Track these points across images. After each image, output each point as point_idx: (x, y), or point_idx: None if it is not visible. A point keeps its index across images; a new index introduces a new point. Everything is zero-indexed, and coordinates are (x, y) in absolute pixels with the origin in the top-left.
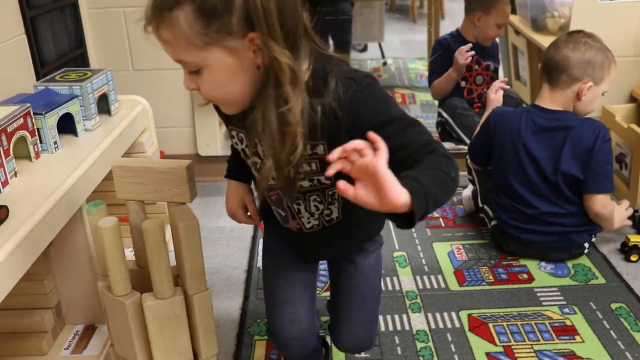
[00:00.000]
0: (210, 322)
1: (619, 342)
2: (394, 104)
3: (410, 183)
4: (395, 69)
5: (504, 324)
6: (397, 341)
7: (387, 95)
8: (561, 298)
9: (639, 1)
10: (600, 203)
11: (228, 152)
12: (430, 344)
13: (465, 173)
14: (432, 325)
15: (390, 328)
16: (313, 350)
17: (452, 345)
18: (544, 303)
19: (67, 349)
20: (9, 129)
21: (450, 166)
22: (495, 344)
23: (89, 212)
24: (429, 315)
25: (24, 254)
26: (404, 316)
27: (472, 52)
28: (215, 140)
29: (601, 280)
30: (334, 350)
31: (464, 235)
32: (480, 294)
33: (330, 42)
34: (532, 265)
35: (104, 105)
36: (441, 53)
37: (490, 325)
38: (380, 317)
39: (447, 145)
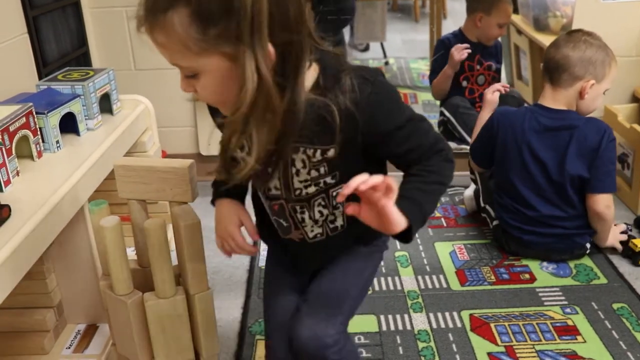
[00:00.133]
0: (212, 322)
1: (621, 342)
2: (403, 102)
3: (410, 208)
4: (397, 68)
5: (506, 324)
6: (398, 341)
7: (397, 92)
8: (563, 298)
9: None
10: (604, 203)
11: None
12: (432, 343)
13: (467, 173)
14: (434, 325)
15: (392, 328)
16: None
17: (454, 345)
18: (545, 303)
19: (69, 348)
20: (12, 128)
21: (451, 171)
22: (497, 344)
23: (91, 212)
24: (431, 315)
25: (25, 253)
26: (406, 316)
27: (469, 50)
28: (217, 140)
29: (603, 280)
30: None
31: (465, 235)
32: (482, 294)
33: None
34: (533, 265)
35: (106, 104)
36: (443, 53)
37: (492, 325)
38: (382, 317)
39: (449, 145)
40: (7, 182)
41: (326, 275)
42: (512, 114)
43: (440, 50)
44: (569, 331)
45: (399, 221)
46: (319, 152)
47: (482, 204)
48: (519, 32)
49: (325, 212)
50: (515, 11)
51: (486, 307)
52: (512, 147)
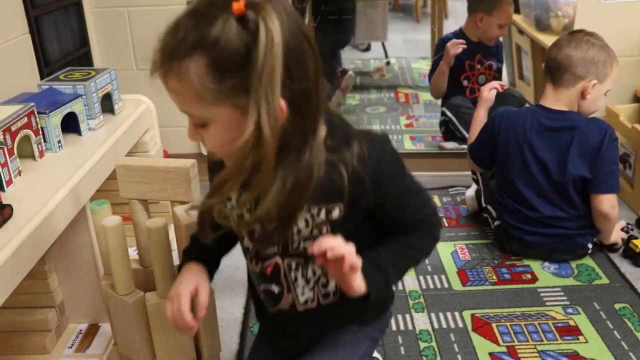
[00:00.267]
0: (213, 321)
1: (623, 343)
2: (408, 169)
3: (375, 278)
4: (398, 68)
5: (508, 324)
6: (400, 341)
7: (402, 158)
8: (565, 298)
9: None
10: (609, 203)
11: None
12: (434, 343)
13: (469, 173)
14: (435, 325)
15: (394, 328)
16: None
17: (455, 345)
18: (547, 303)
19: (71, 347)
20: (13, 128)
21: (432, 249)
22: (498, 344)
23: (92, 211)
24: (432, 315)
25: (27, 252)
26: (407, 316)
27: (464, 45)
28: None
29: (605, 280)
30: None
31: (467, 235)
32: (484, 294)
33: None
34: (535, 265)
35: (107, 104)
36: (444, 52)
37: (494, 325)
38: None
39: (451, 144)
40: (9, 182)
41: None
42: (513, 115)
43: (441, 49)
44: (571, 331)
45: (359, 288)
46: (323, 211)
47: (484, 204)
48: (521, 32)
49: (318, 272)
50: (517, 11)
51: (488, 307)
52: (513, 147)
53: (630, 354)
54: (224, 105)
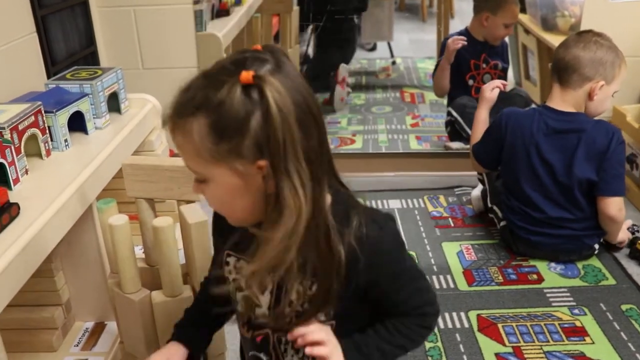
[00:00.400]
0: None
1: (630, 344)
2: (407, 253)
3: None
4: (404, 68)
5: (513, 324)
6: None
7: (404, 242)
8: (571, 299)
9: None
10: (616, 206)
11: None
12: (439, 344)
13: (475, 173)
14: (441, 325)
15: None
16: None
17: (461, 346)
18: (553, 304)
19: (77, 345)
20: (21, 127)
21: (424, 338)
22: (504, 345)
23: (99, 210)
24: None
25: (34, 251)
26: None
27: (464, 41)
28: None
29: (611, 281)
30: None
31: (473, 235)
32: (490, 294)
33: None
34: (541, 265)
35: (114, 103)
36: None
37: (500, 325)
38: None
39: (457, 144)
40: (16, 181)
41: None
42: (520, 116)
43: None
44: (577, 332)
45: None
46: (315, 285)
47: (490, 205)
48: (527, 31)
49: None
50: (523, 10)
51: (494, 308)
52: (520, 148)
53: (637, 355)
54: (221, 167)
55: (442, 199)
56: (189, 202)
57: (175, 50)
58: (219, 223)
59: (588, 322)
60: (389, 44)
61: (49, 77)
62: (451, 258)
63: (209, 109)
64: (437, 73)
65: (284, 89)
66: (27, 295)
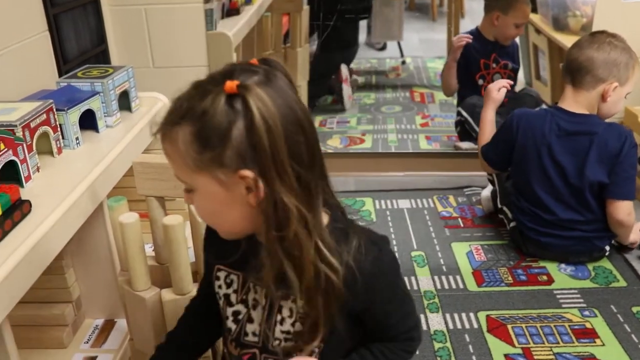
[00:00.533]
0: None
1: None
2: (401, 275)
3: None
4: (414, 67)
5: (523, 325)
6: None
7: (399, 264)
8: (581, 300)
9: None
10: (625, 210)
11: None
12: (448, 344)
13: (485, 173)
14: (450, 326)
15: None
16: None
17: (470, 346)
18: (563, 305)
19: (87, 342)
20: (32, 125)
21: None
22: (513, 346)
23: (109, 208)
24: (447, 315)
25: (45, 248)
26: (422, 316)
27: (469, 39)
28: None
29: (622, 283)
30: None
31: (482, 236)
32: (499, 295)
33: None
34: (551, 267)
35: (124, 101)
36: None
37: (509, 326)
38: None
39: (466, 144)
40: (28, 178)
41: None
42: (532, 117)
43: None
44: (587, 334)
45: None
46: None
47: (499, 205)
48: (538, 31)
49: None
50: (534, 10)
51: (503, 309)
52: (531, 150)
53: None
54: (204, 176)
55: (451, 199)
56: None
57: (185, 49)
58: (210, 236)
59: (598, 323)
60: (398, 44)
61: (60, 75)
62: (460, 258)
63: (193, 118)
64: (444, 72)
65: (270, 100)
66: (38, 292)
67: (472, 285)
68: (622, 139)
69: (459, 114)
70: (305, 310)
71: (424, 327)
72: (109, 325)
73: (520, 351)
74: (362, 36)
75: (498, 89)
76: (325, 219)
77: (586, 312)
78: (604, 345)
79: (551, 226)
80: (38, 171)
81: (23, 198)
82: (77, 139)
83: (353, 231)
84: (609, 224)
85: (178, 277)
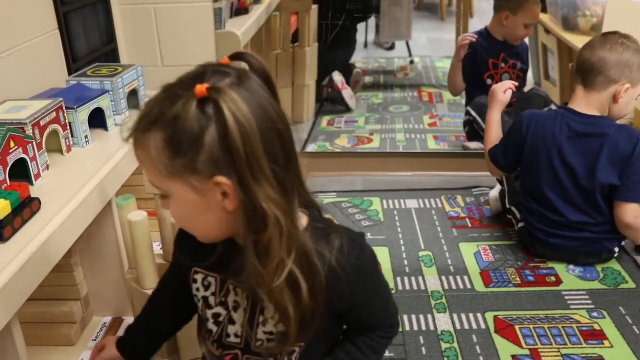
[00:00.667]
0: None
1: None
2: (379, 267)
3: None
4: (422, 67)
5: (531, 326)
6: (421, 341)
7: (376, 257)
8: (590, 302)
9: None
10: (633, 214)
11: None
12: (455, 345)
13: None
14: (458, 326)
15: (415, 328)
16: None
17: (478, 347)
18: (572, 306)
19: (95, 340)
20: (42, 123)
21: (386, 348)
22: (521, 347)
23: (118, 206)
24: (455, 316)
25: (55, 245)
26: (429, 316)
27: (473, 39)
28: None
29: (631, 284)
30: None
31: (490, 236)
32: (507, 296)
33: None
34: (560, 268)
35: (134, 100)
36: (470, 52)
37: (517, 327)
38: (405, 317)
39: (475, 144)
40: (38, 176)
41: None
42: (542, 118)
43: (468, 49)
44: (596, 335)
45: None
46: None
47: (508, 206)
48: (547, 31)
49: None
50: (544, 10)
51: (511, 309)
52: (541, 152)
53: None
54: (178, 182)
55: (459, 199)
56: None
57: (194, 48)
58: (184, 238)
59: (607, 325)
60: (407, 43)
61: (70, 74)
62: (468, 259)
63: (164, 124)
64: (450, 72)
65: (243, 102)
66: (46, 290)
67: (479, 286)
68: (634, 142)
69: (467, 113)
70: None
71: (432, 327)
72: (117, 323)
73: (528, 352)
74: (370, 36)
75: (504, 91)
76: (304, 220)
77: (595, 314)
78: (612, 347)
79: (560, 228)
80: (48, 169)
81: (33, 196)
82: (86, 137)
83: (333, 230)
84: (617, 226)
85: None
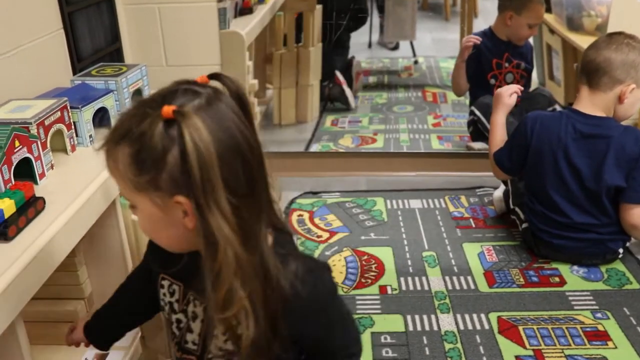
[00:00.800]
0: None
1: None
2: (339, 300)
3: None
4: (426, 67)
5: (535, 327)
6: (425, 341)
7: (337, 289)
8: (594, 302)
9: None
10: (639, 215)
11: None
12: (459, 345)
13: None
14: (461, 327)
15: (419, 328)
16: None
17: (481, 347)
18: (575, 307)
19: None
20: (47, 122)
21: None
22: (525, 347)
23: (122, 206)
24: (458, 316)
25: (59, 244)
26: (433, 316)
27: (477, 40)
28: None
29: (635, 285)
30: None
31: (494, 237)
32: (511, 296)
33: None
34: (564, 268)
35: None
36: (473, 52)
37: (520, 328)
38: (409, 317)
39: (479, 145)
40: (42, 175)
41: None
42: (547, 119)
43: (472, 50)
44: (600, 336)
45: None
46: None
47: (512, 206)
48: (552, 31)
49: None
50: (548, 10)
51: (515, 310)
52: (547, 153)
53: None
54: (142, 196)
55: (463, 199)
56: None
57: (198, 47)
58: (156, 244)
59: (611, 326)
60: (411, 43)
61: (74, 73)
62: (472, 259)
63: (132, 140)
64: (453, 72)
65: (206, 127)
66: (50, 289)
67: (483, 286)
68: None
69: (471, 113)
70: (239, 332)
71: (435, 327)
72: None
73: (531, 353)
74: (374, 36)
75: (510, 95)
76: (270, 239)
77: (598, 315)
78: (616, 348)
79: (565, 229)
80: (52, 168)
81: (37, 195)
82: (90, 136)
83: (293, 257)
84: (623, 227)
85: None
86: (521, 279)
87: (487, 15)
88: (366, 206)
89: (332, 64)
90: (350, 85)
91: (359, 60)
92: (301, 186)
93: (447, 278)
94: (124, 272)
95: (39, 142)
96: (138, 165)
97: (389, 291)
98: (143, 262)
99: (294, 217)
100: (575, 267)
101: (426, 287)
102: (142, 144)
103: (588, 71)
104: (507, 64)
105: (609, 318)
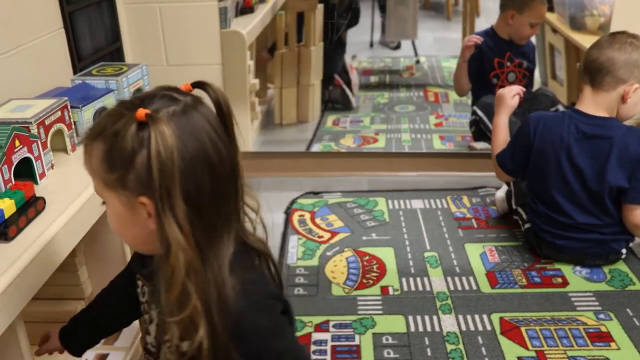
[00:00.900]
0: None
1: None
2: (281, 333)
3: None
4: (428, 67)
5: (537, 328)
6: (426, 342)
7: (281, 322)
8: (596, 303)
9: None
10: None
11: (259, 148)
12: (461, 346)
13: None
14: (463, 328)
15: (420, 329)
16: None
17: (483, 349)
18: (578, 308)
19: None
20: (47, 122)
21: None
22: (527, 348)
23: None
24: (460, 317)
25: (59, 245)
26: (434, 317)
27: (478, 40)
28: (246, 136)
29: (638, 286)
30: (364, 346)
31: (496, 237)
32: (513, 297)
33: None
34: (566, 269)
35: None
36: (475, 51)
37: (523, 329)
38: (410, 318)
39: (481, 144)
40: (42, 175)
41: None
42: (549, 120)
43: (474, 49)
44: (602, 337)
45: None
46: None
47: (514, 206)
48: (554, 30)
49: None
50: (551, 9)
51: (517, 311)
52: (549, 153)
53: None
54: (111, 193)
55: (465, 199)
56: None
57: (199, 47)
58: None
59: (614, 327)
60: (413, 43)
61: (75, 72)
62: (474, 259)
63: (106, 138)
64: (456, 72)
65: (173, 134)
66: (50, 289)
67: (485, 287)
68: None
69: (474, 113)
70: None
71: (436, 328)
72: None
73: (534, 354)
74: (376, 35)
75: (512, 96)
76: (230, 249)
77: (601, 316)
78: (619, 349)
79: (567, 229)
80: (52, 168)
81: (37, 195)
82: None
83: (236, 274)
84: (627, 227)
85: None
86: (523, 280)
87: (489, 15)
88: (368, 206)
89: (332, 63)
90: (348, 84)
91: (353, 55)
92: (302, 186)
93: (449, 279)
94: None
95: (39, 142)
96: (109, 163)
97: (391, 292)
98: (127, 266)
99: (295, 217)
100: (578, 268)
101: (428, 288)
102: (114, 143)
103: (591, 71)
104: (509, 63)
105: (611, 319)
